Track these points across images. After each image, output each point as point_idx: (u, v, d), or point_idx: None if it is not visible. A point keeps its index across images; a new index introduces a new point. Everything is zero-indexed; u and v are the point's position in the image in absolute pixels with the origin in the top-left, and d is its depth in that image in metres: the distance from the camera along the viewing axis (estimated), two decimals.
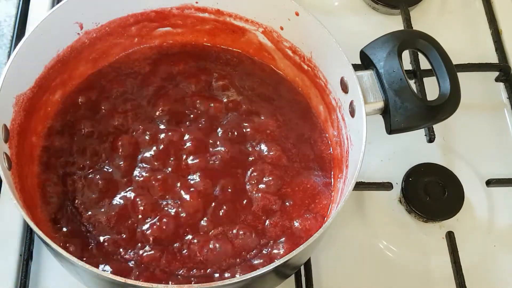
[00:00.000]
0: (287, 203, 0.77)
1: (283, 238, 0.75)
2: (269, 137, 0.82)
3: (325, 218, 0.76)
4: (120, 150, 0.79)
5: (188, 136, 0.81)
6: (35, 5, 1.00)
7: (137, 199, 0.76)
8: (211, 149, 0.80)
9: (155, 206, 0.76)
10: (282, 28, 0.84)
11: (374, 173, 0.88)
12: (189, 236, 0.74)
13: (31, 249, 0.80)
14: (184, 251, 0.73)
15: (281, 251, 0.74)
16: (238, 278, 0.62)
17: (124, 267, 0.72)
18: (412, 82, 0.93)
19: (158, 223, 0.74)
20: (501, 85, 0.99)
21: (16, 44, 0.85)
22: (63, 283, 0.78)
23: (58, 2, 0.80)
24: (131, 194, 0.76)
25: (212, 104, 0.84)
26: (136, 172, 0.78)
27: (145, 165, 0.78)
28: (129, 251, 0.73)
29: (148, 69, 0.87)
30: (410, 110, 0.73)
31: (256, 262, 0.73)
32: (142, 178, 0.77)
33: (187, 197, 0.76)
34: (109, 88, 0.84)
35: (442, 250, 0.85)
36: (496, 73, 0.99)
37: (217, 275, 0.72)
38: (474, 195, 0.89)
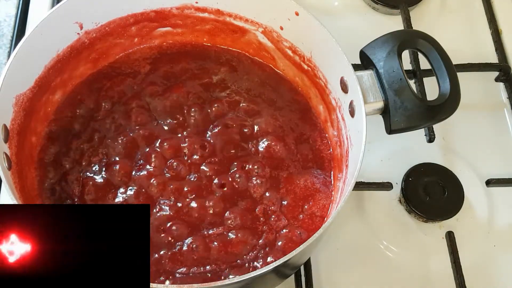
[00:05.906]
0: (287, 203, 0.77)
1: (283, 238, 0.75)
2: (269, 137, 0.82)
3: (325, 218, 0.76)
4: (120, 150, 0.79)
5: (188, 136, 0.81)
6: (35, 5, 0.99)
7: (137, 199, 0.76)
8: (210, 149, 0.80)
9: (155, 207, 0.76)
10: (282, 28, 0.83)
11: (374, 173, 0.88)
12: (189, 236, 0.74)
13: None
14: (184, 251, 0.73)
15: (281, 251, 0.74)
16: (238, 278, 0.62)
17: None
18: (412, 82, 0.93)
19: (157, 223, 0.75)
20: (501, 85, 0.99)
21: (16, 44, 0.85)
22: None
23: (58, 2, 0.80)
24: (130, 194, 0.76)
25: (211, 104, 0.84)
26: (135, 172, 0.78)
27: (144, 165, 0.78)
28: None
29: (148, 69, 0.87)
30: (410, 110, 0.73)
31: (256, 262, 0.73)
32: (141, 178, 0.77)
33: (186, 197, 0.77)
34: (109, 88, 0.84)
35: (442, 250, 0.85)
36: (496, 73, 0.99)
37: (217, 275, 0.72)
38: (474, 195, 0.89)
